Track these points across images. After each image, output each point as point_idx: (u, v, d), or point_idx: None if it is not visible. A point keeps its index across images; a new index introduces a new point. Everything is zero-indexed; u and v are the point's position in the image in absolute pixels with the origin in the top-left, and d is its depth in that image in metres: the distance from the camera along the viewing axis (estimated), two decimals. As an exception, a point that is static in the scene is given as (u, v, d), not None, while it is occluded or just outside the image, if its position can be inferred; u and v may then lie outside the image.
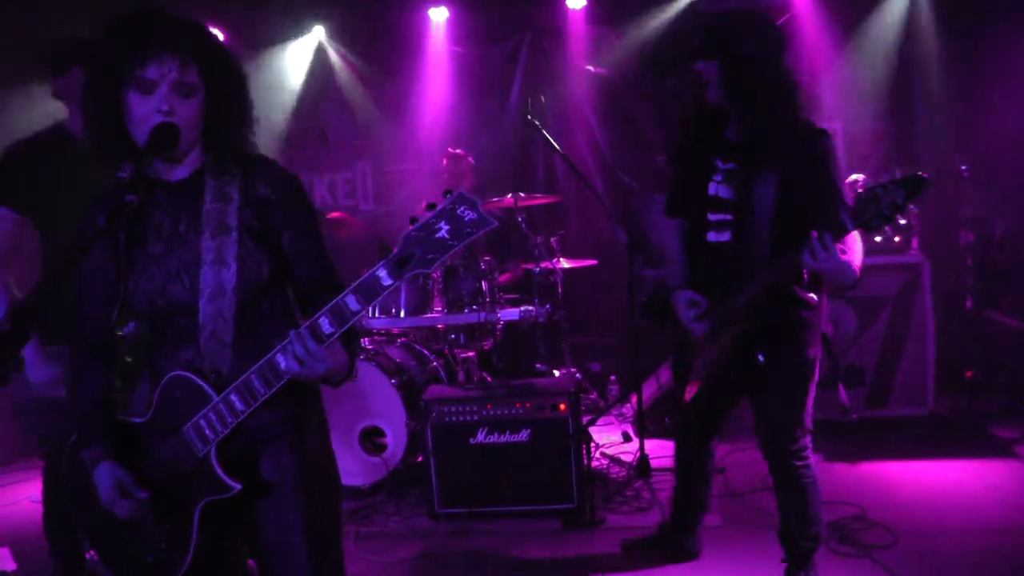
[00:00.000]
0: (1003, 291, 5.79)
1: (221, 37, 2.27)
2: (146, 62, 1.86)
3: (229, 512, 1.98)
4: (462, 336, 5.24)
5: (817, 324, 3.11)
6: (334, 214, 6.03)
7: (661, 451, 4.75)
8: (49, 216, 3.22)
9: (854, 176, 5.67)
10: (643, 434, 4.73)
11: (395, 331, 5.50)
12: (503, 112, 7.18)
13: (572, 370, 5.99)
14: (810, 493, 3.18)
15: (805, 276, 3.00)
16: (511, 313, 5.19)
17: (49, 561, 3.57)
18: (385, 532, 4.25)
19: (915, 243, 5.34)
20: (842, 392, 5.06)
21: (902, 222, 2.71)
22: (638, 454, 4.67)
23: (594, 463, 4.74)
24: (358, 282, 1.79)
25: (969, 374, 5.66)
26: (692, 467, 3.57)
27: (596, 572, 3.67)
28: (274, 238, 2.03)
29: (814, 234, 2.66)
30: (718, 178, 3.13)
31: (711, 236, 3.14)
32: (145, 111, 1.88)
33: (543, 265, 5.61)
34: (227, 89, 1.98)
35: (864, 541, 3.74)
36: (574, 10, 6.93)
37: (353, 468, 4.64)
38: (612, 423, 5.86)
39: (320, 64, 7.42)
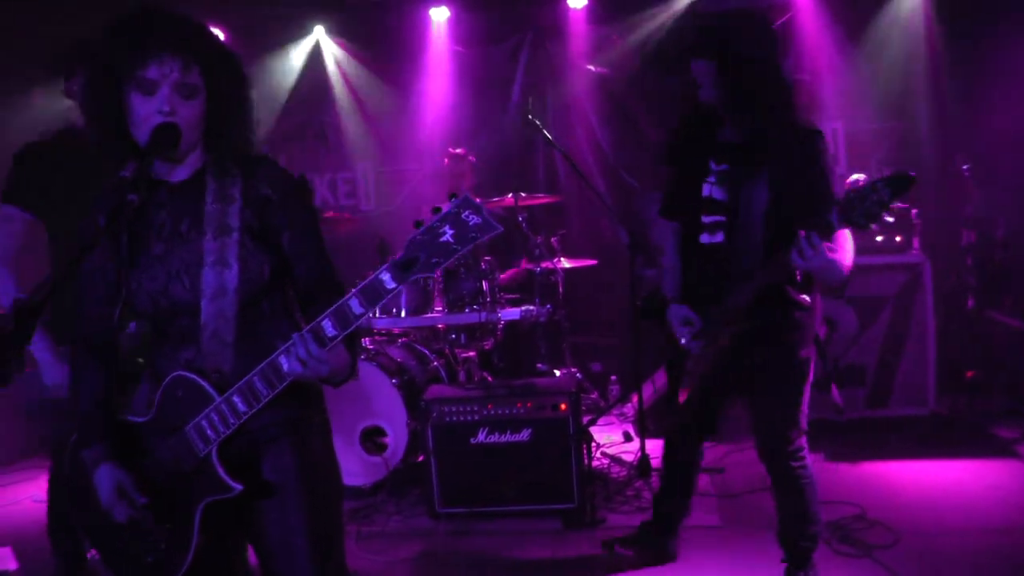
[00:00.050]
0: (1004, 291, 5.79)
1: (222, 37, 2.28)
2: (147, 62, 1.86)
3: (230, 512, 1.98)
4: (463, 336, 5.25)
5: (810, 325, 3.11)
6: (329, 214, 6.03)
7: (662, 451, 4.75)
8: (59, 217, 3.23)
9: (855, 176, 5.67)
10: (644, 434, 4.73)
11: (396, 331, 5.50)
12: (504, 112, 7.19)
13: (573, 370, 5.99)
14: (808, 493, 3.18)
15: (798, 277, 3.01)
16: (512, 313, 5.19)
17: (51, 561, 3.57)
18: (386, 532, 4.26)
19: (916, 243, 5.34)
20: (835, 392, 5.05)
21: (889, 220, 2.71)
22: (639, 454, 4.67)
23: (595, 463, 4.74)
24: (362, 285, 1.80)
25: (970, 374, 5.66)
26: (682, 468, 3.57)
27: (597, 572, 3.66)
28: (275, 238, 2.03)
29: (801, 233, 2.67)
30: (712, 180, 3.13)
31: (704, 238, 3.15)
32: (146, 111, 1.89)
33: (544, 265, 5.61)
34: (228, 90, 1.99)
35: (865, 541, 3.74)
36: (575, 10, 6.94)
37: (354, 468, 4.64)
38: (613, 423, 5.86)
39: (321, 64, 7.42)
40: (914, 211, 5.35)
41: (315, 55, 7.44)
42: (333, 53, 7.42)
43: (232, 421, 1.89)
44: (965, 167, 5.70)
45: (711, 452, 4.98)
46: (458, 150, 6.24)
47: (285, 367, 1.84)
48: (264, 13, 7.09)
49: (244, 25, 6.83)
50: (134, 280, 1.97)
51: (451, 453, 4.24)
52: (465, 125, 7.15)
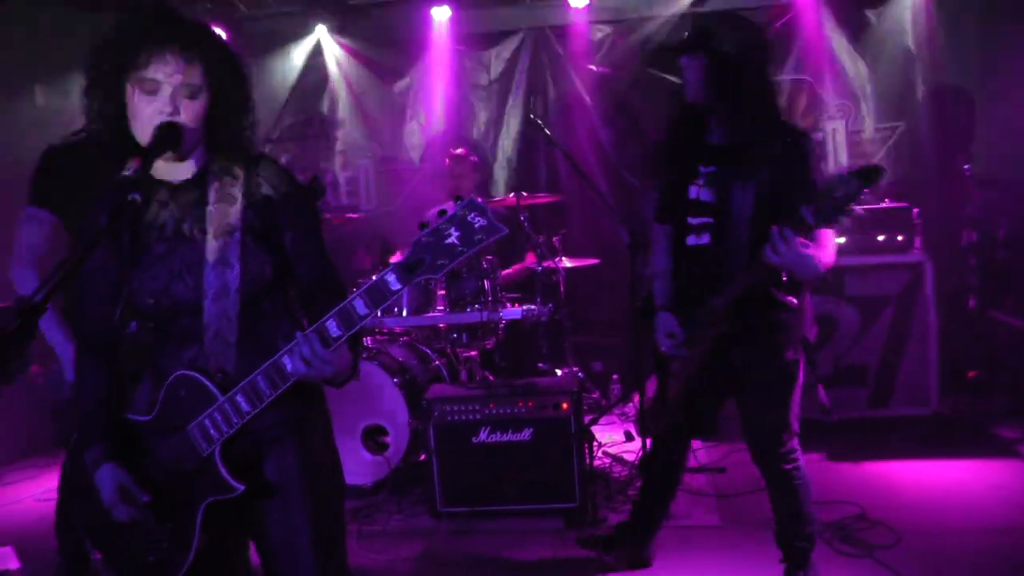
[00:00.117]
0: (1006, 291, 5.78)
1: (224, 37, 2.27)
2: (151, 62, 1.86)
3: (232, 512, 1.98)
4: (464, 335, 5.25)
5: (796, 327, 3.10)
6: (330, 214, 6.04)
7: (649, 451, 4.75)
8: (82, 219, 3.23)
9: (857, 176, 5.66)
10: (645, 433, 4.72)
11: (397, 330, 5.50)
12: (506, 111, 7.18)
13: (574, 369, 5.99)
14: (801, 494, 3.18)
15: (783, 277, 2.99)
16: (513, 312, 5.19)
17: (53, 560, 3.57)
18: (387, 531, 4.26)
19: (918, 242, 5.33)
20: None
21: (859, 211, 2.73)
22: (640, 453, 4.66)
23: (596, 462, 4.74)
24: (366, 286, 1.80)
25: (972, 374, 5.67)
26: (667, 470, 3.54)
27: (598, 572, 3.66)
28: (276, 238, 2.03)
29: (774, 229, 2.69)
30: (699, 181, 3.14)
31: (691, 240, 3.15)
32: (149, 111, 1.89)
33: (546, 264, 5.61)
34: (231, 90, 1.98)
35: (866, 541, 3.74)
36: (577, 9, 6.92)
37: (355, 467, 4.64)
38: (614, 422, 5.86)
39: (322, 63, 7.42)
40: (915, 211, 5.35)
41: (316, 54, 7.43)
42: (334, 52, 7.42)
43: (235, 420, 1.89)
44: (966, 167, 5.70)
45: (711, 452, 5.00)
46: (459, 150, 6.23)
47: (289, 367, 1.84)
48: (265, 12, 7.10)
49: (246, 24, 6.84)
50: (136, 279, 1.97)
51: (453, 452, 4.25)
52: (466, 124, 7.15)
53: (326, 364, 1.83)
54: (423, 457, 4.47)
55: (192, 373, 1.93)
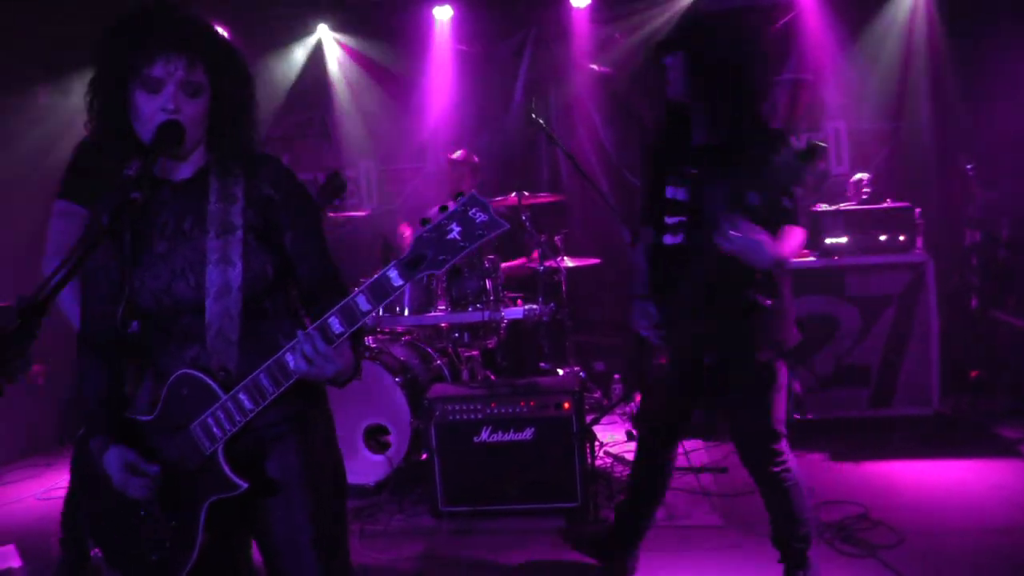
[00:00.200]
0: (1008, 291, 5.78)
1: (226, 35, 2.28)
2: (153, 60, 1.86)
3: (235, 510, 1.98)
4: (466, 335, 5.25)
5: (772, 328, 3.09)
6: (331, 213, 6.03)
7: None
8: None
9: (858, 175, 5.67)
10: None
11: (399, 329, 5.50)
12: (507, 111, 7.20)
13: (576, 369, 5.98)
14: (793, 495, 3.16)
15: (757, 278, 2.99)
16: (515, 311, 5.19)
17: (54, 558, 3.58)
18: (389, 530, 4.26)
19: (919, 242, 5.33)
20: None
21: (798, 191, 2.78)
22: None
23: (598, 462, 4.74)
24: (368, 282, 1.80)
25: (973, 374, 5.67)
26: (651, 475, 3.51)
27: (599, 572, 3.66)
28: (277, 238, 2.03)
29: (723, 215, 2.72)
30: (676, 181, 3.15)
31: (667, 239, 3.17)
32: (151, 109, 1.88)
33: (547, 264, 5.61)
34: (233, 89, 1.98)
35: (868, 540, 3.74)
36: (578, 9, 6.93)
37: (357, 466, 4.64)
38: (616, 422, 5.86)
39: (323, 62, 7.43)
40: (917, 210, 5.35)
41: (318, 54, 7.45)
42: (336, 52, 7.43)
43: (238, 419, 1.89)
44: (969, 167, 5.70)
45: (711, 452, 5.00)
46: (455, 155, 6.21)
47: (291, 365, 1.84)
48: (267, 12, 7.10)
49: (247, 23, 6.83)
50: (137, 278, 1.97)
51: (454, 452, 4.25)
52: (468, 124, 7.16)
53: (328, 362, 1.83)
54: (424, 457, 4.46)
55: (194, 372, 1.93)
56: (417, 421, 4.59)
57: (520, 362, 5.93)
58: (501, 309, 5.07)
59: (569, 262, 5.80)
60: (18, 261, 5.80)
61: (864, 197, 5.51)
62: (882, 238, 5.29)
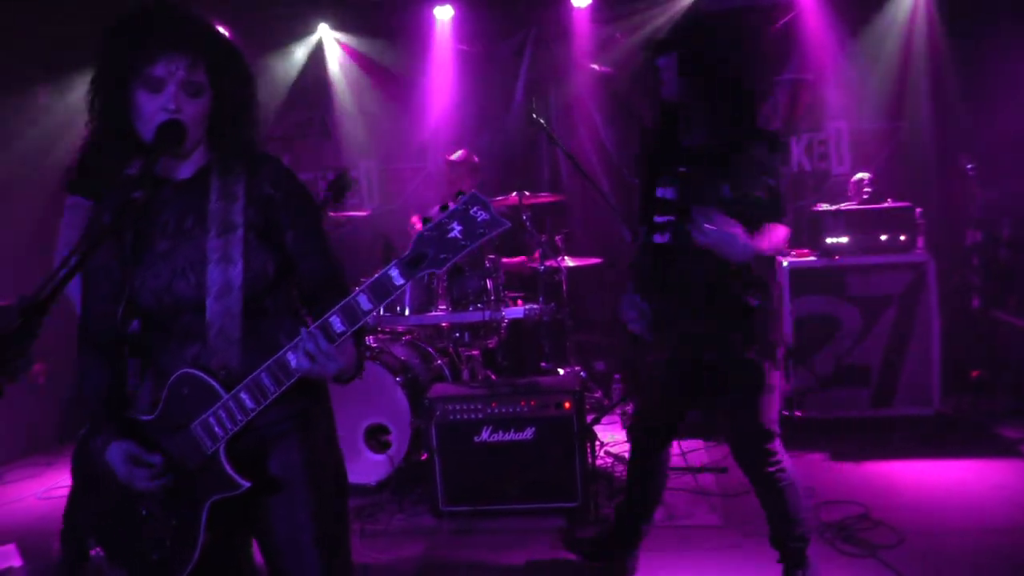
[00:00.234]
0: (1009, 291, 5.78)
1: (227, 35, 2.28)
2: (155, 60, 1.86)
3: (237, 509, 1.98)
4: (466, 334, 5.25)
5: (760, 327, 3.08)
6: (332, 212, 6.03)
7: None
8: None
9: (859, 175, 5.67)
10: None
11: (400, 329, 5.50)
12: (508, 111, 7.20)
13: (577, 368, 5.99)
14: (788, 495, 3.16)
15: (745, 277, 3.00)
16: (516, 311, 5.19)
17: (55, 557, 3.58)
18: (389, 530, 4.26)
19: (920, 242, 5.33)
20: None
21: (772, 184, 2.83)
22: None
23: (598, 461, 4.73)
24: (370, 281, 1.80)
25: (974, 374, 5.67)
26: (648, 475, 3.51)
27: (599, 571, 3.66)
28: (278, 236, 2.03)
29: (695, 208, 2.75)
30: (666, 180, 3.17)
31: (657, 238, 3.18)
32: (152, 109, 1.88)
33: (548, 263, 5.61)
34: (234, 89, 1.99)
35: (869, 540, 3.74)
36: (579, 8, 6.93)
37: (358, 466, 4.64)
38: (616, 421, 5.86)
39: (324, 62, 7.43)
40: (918, 210, 5.34)
41: (318, 53, 7.45)
42: (336, 51, 7.43)
43: (240, 418, 1.88)
44: (970, 166, 5.70)
45: (712, 452, 5.00)
46: (455, 156, 6.20)
47: (293, 363, 1.84)
48: (267, 11, 7.10)
49: (248, 23, 6.83)
50: (138, 277, 1.97)
51: (455, 451, 4.25)
52: (469, 124, 7.16)
53: (330, 360, 1.83)
54: (425, 456, 4.46)
55: (195, 371, 1.93)
56: (418, 421, 4.59)
57: (521, 362, 5.93)
58: (502, 309, 5.07)
59: (570, 262, 5.80)
60: (18, 260, 5.82)
61: (865, 197, 5.51)
62: (883, 238, 5.29)
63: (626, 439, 5.29)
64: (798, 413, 5.18)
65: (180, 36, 1.89)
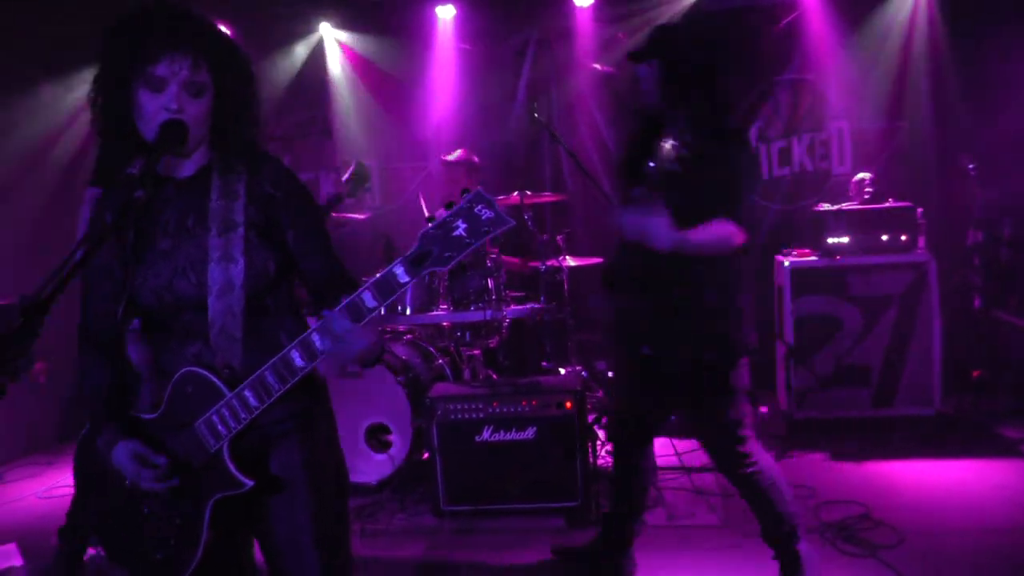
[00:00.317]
0: (1010, 291, 5.78)
1: (230, 35, 2.28)
2: (158, 59, 1.86)
3: (239, 508, 1.98)
4: (468, 334, 5.24)
5: (721, 328, 3.10)
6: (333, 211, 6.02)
7: (666, 449, 4.76)
8: None
9: (860, 175, 5.67)
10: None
11: (401, 328, 5.50)
12: (509, 110, 7.19)
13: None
14: (771, 495, 3.17)
15: (702, 275, 3.02)
16: (517, 311, 5.19)
17: (52, 553, 3.59)
18: (390, 529, 4.26)
19: (921, 242, 5.33)
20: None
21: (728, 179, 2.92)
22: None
23: (599, 461, 4.73)
24: (375, 278, 1.80)
25: (976, 374, 5.66)
26: (629, 473, 3.52)
27: (600, 571, 3.66)
28: (278, 235, 2.03)
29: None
30: (636, 180, 3.21)
31: (626, 236, 3.20)
32: (154, 108, 1.89)
33: (549, 263, 5.61)
34: (236, 87, 1.99)
35: (870, 540, 3.74)
36: (581, 8, 6.93)
37: (359, 465, 4.65)
38: (617, 421, 5.85)
39: (326, 61, 7.43)
40: (919, 210, 5.34)
41: (320, 52, 7.45)
42: (337, 50, 7.43)
43: (243, 416, 1.89)
44: (971, 166, 5.69)
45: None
46: (452, 156, 6.18)
47: (319, 344, 1.83)
48: (268, 10, 7.10)
49: (249, 22, 6.83)
50: (139, 276, 1.97)
51: (456, 451, 4.25)
52: (470, 123, 7.15)
53: (358, 338, 1.82)
54: (426, 456, 4.46)
55: (199, 370, 1.93)
56: (419, 420, 4.59)
57: (522, 361, 5.93)
58: (503, 308, 5.07)
59: (571, 261, 5.79)
60: (18, 260, 5.83)
61: (866, 197, 5.51)
62: (884, 238, 5.29)
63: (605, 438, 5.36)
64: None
65: (183, 35, 1.89)
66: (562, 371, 5.76)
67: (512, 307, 5.20)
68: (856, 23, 6.55)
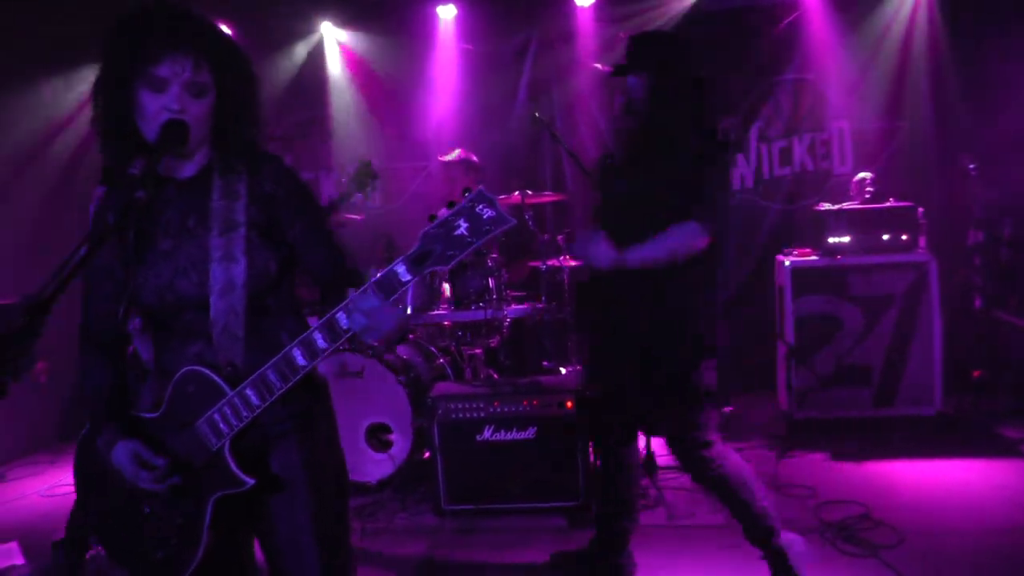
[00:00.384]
0: (1011, 291, 5.78)
1: (231, 35, 2.28)
2: (160, 60, 1.86)
3: (240, 507, 1.98)
4: (469, 333, 5.25)
5: (677, 329, 3.11)
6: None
7: (666, 449, 4.76)
8: None
9: (861, 175, 5.67)
10: (649, 432, 4.72)
11: (401, 328, 5.49)
12: (510, 110, 7.19)
13: (579, 368, 5.98)
14: (742, 495, 3.18)
15: (669, 277, 3.04)
16: (518, 310, 5.20)
17: (54, 552, 3.59)
18: (391, 529, 4.26)
19: (922, 242, 5.33)
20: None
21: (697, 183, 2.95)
22: (644, 452, 4.66)
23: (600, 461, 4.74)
24: (376, 277, 1.80)
25: (976, 374, 5.66)
26: (616, 471, 3.51)
27: (601, 571, 3.66)
28: (280, 235, 2.03)
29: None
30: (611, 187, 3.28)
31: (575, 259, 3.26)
32: (156, 108, 1.88)
33: (550, 263, 5.61)
34: (237, 87, 1.99)
35: (870, 540, 3.74)
36: (582, 8, 6.93)
37: (360, 464, 4.65)
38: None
39: (326, 61, 7.43)
40: (920, 210, 5.35)
41: (320, 52, 7.44)
42: (338, 50, 7.42)
43: (245, 415, 1.89)
44: (972, 166, 5.70)
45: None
46: (449, 156, 6.16)
47: (344, 324, 1.82)
48: (269, 10, 7.09)
49: (249, 21, 6.83)
50: (140, 276, 1.97)
51: (457, 450, 4.25)
52: (472, 123, 7.15)
53: (387, 317, 1.80)
54: (427, 455, 4.47)
55: (200, 368, 1.93)
56: (420, 420, 4.59)
57: (523, 361, 5.93)
58: (504, 308, 5.07)
59: (572, 261, 5.79)
60: (18, 260, 5.83)
61: (867, 196, 5.51)
62: (885, 237, 5.29)
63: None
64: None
65: (184, 36, 1.89)
66: (563, 371, 5.76)
67: (513, 306, 5.20)
68: (856, 23, 6.55)
